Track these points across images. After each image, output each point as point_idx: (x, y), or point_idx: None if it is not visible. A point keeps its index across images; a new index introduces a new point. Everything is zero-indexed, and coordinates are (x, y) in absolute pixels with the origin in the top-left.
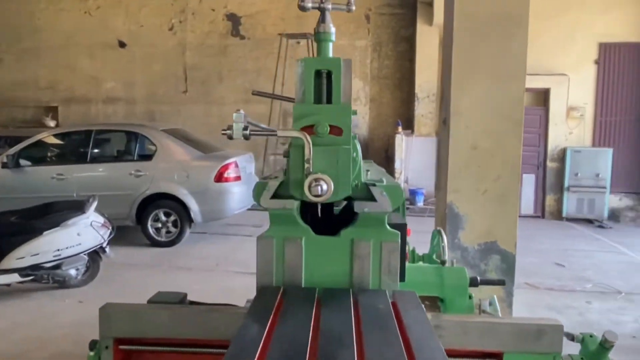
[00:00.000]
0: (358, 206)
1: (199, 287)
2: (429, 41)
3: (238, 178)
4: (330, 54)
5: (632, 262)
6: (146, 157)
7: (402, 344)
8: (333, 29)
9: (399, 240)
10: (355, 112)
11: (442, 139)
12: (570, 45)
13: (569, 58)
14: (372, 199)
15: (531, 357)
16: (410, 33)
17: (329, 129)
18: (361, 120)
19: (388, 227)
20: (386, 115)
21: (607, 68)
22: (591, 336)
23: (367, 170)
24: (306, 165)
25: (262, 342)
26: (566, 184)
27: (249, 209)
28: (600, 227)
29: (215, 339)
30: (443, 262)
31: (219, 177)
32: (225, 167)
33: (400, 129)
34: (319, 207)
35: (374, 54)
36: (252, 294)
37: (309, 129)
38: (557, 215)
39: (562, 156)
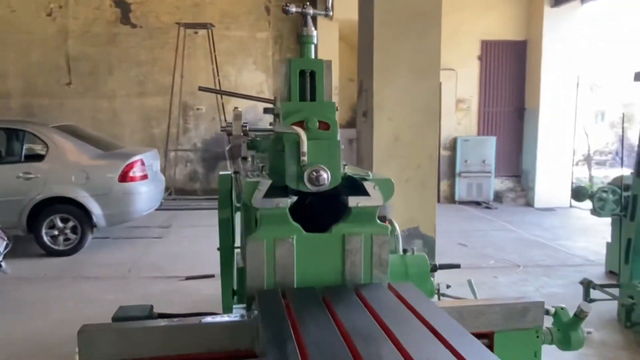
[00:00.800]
0: (352, 201)
1: (112, 297)
2: (329, 36)
3: (145, 177)
4: (313, 55)
5: (521, 237)
6: (36, 157)
7: (431, 334)
8: (315, 32)
9: (388, 233)
10: (337, 109)
11: (362, 131)
12: (456, 43)
13: (456, 54)
14: (359, 192)
15: (517, 333)
16: None
17: (318, 124)
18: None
19: (378, 220)
20: None
21: (489, 63)
22: (562, 308)
23: (345, 164)
24: (302, 158)
25: (298, 352)
26: (457, 170)
27: (156, 209)
28: (487, 208)
29: (215, 351)
30: (405, 251)
31: (124, 177)
32: (130, 165)
33: None
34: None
35: (275, 47)
36: (176, 299)
37: (299, 124)
38: (451, 199)
39: (453, 145)
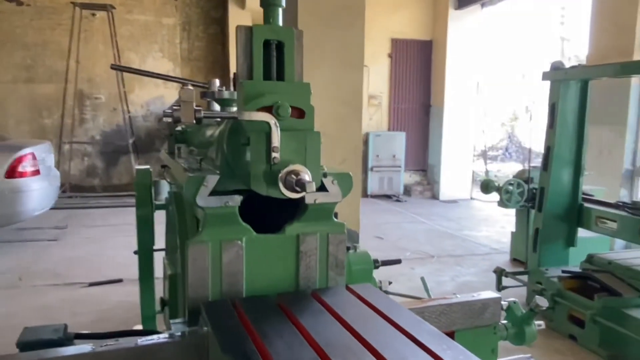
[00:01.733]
0: (309, 197)
1: (3, 309)
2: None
3: (36, 172)
4: (281, 23)
5: (431, 229)
6: None
7: (409, 340)
8: None
9: (345, 232)
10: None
11: None
12: (369, 40)
13: (368, 51)
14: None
15: (476, 331)
16: (221, 15)
17: (290, 110)
18: None
19: (334, 218)
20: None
21: (399, 61)
22: (515, 302)
23: None
24: (273, 155)
25: None
26: (370, 165)
27: (50, 208)
28: (398, 201)
29: None
30: (347, 248)
31: (12, 172)
32: (20, 159)
33: None
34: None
35: (183, 34)
36: (79, 309)
37: (265, 110)
38: (364, 193)
39: (366, 140)
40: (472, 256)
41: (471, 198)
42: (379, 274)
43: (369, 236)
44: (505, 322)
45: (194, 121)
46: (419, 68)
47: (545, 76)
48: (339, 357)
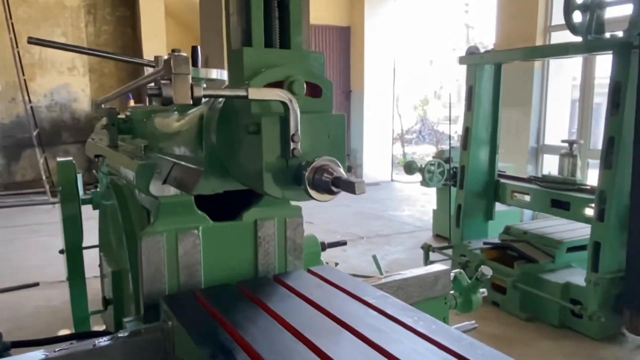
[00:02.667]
0: None
1: None
2: (153, 8)
3: None
4: None
5: (358, 211)
6: None
7: (378, 314)
8: None
9: (302, 215)
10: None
11: None
12: None
13: None
14: None
15: (429, 302)
16: None
17: (305, 87)
18: (81, 94)
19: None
20: (111, 87)
21: (318, 47)
22: (460, 273)
23: None
24: (292, 146)
25: None
26: None
27: None
28: None
29: None
30: None
31: None
32: None
33: (132, 102)
34: None
35: (88, 17)
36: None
37: (275, 86)
38: None
39: None
40: (399, 235)
41: (392, 180)
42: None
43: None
44: (453, 292)
45: (190, 101)
46: (338, 54)
47: (462, 60)
48: (316, 337)
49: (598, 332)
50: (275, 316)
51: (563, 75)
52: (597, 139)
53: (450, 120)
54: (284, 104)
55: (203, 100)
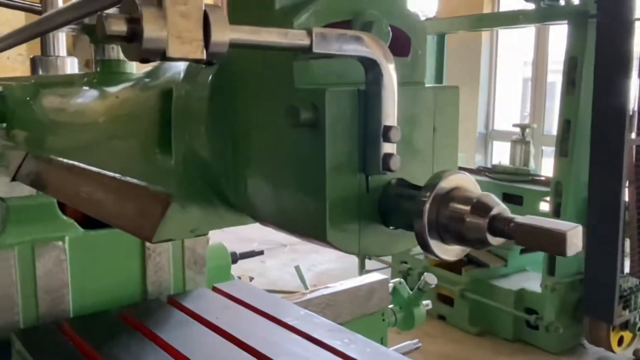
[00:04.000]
0: None
1: None
2: None
3: None
4: None
5: None
6: None
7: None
8: None
9: None
10: None
11: None
12: None
13: None
14: None
15: (363, 320)
16: None
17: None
18: None
19: None
20: None
21: None
22: (400, 283)
23: None
24: (384, 149)
25: None
26: None
27: None
28: None
29: None
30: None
31: None
32: None
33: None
34: None
35: None
36: None
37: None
38: None
39: None
40: None
41: None
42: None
43: None
44: (392, 306)
45: (202, 55)
46: None
47: None
48: None
49: (556, 344)
50: (169, 349)
51: (514, 50)
52: (553, 123)
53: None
54: (369, 62)
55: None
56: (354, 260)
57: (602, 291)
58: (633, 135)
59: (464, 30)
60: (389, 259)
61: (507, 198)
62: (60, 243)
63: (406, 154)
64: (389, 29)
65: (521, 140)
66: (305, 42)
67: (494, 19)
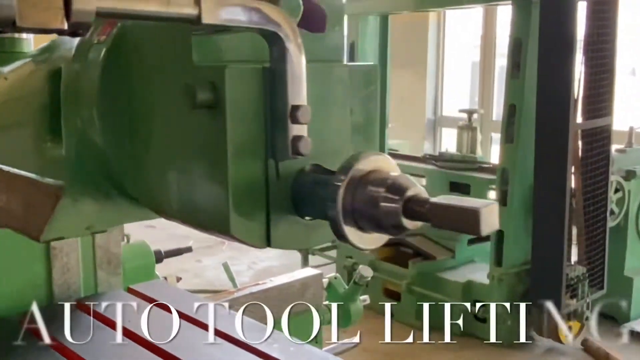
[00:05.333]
0: None
1: None
2: None
3: None
4: None
5: None
6: None
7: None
8: None
9: None
10: None
11: None
12: None
13: None
14: None
15: (294, 319)
16: None
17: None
18: None
19: None
20: None
21: None
22: (335, 278)
23: None
24: (293, 132)
25: None
26: None
27: None
28: None
29: None
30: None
31: None
32: None
33: None
34: None
35: None
36: None
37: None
38: None
39: None
40: None
41: None
42: (159, 270)
43: (136, 225)
44: (327, 302)
45: (64, 24)
46: None
47: None
48: None
49: (504, 337)
50: (74, 358)
51: (462, 33)
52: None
53: None
54: (273, 37)
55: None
56: (297, 256)
57: (549, 280)
58: (579, 120)
59: (408, 11)
60: (334, 254)
61: (455, 187)
62: None
63: (320, 136)
64: (300, 1)
65: (468, 127)
66: (193, 11)
67: None
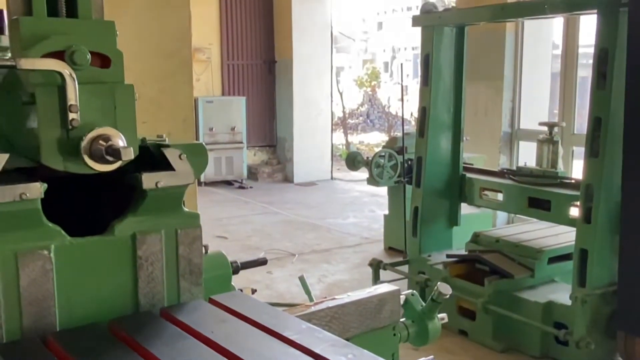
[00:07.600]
0: (148, 180)
1: None
2: None
3: None
4: None
5: (287, 220)
6: None
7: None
8: None
9: (200, 225)
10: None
11: None
12: None
13: None
14: (155, 165)
15: (372, 335)
16: None
17: (90, 57)
18: None
19: (184, 207)
20: None
21: (230, 4)
22: (413, 294)
23: None
24: (71, 117)
25: None
26: (201, 142)
27: None
28: (242, 187)
29: None
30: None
31: None
32: None
33: None
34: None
35: None
36: None
37: (56, 56)
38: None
39: (193, 108)
40: (341, 249)
41: (332, 178)
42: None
43: (208, 236)
44: (404, 320)
45: None
46: (256, 12)
47: (415, 21)
48: None
49: None
50: None
51: (542, 43)
52: (583, 121)
53: (403, 98)
54: (59, 74)
55: None
56: (367, 270)
57: (637, 304)
58: None
59: (485, 22)
60: (405, 269)
61: (534, 203)
62: (45, 252)
63: (98, 120)
64: (89, 54)
65: (548, 140)
66: (13, 63)
67: (518, 9)
